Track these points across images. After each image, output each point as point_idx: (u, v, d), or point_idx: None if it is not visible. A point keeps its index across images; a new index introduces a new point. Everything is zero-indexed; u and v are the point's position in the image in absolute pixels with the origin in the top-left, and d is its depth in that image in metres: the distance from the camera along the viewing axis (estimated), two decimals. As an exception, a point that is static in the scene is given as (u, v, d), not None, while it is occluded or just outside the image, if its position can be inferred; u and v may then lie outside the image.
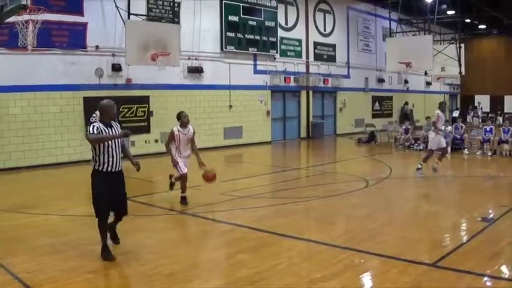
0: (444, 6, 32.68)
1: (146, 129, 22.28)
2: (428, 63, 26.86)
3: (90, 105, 20.13)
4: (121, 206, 8.31)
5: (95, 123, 7.91)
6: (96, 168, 7.95)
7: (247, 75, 27.03)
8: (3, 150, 18.39)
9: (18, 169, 18.25)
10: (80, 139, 19.93)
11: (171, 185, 12.85)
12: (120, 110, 21.07)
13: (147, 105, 22.31)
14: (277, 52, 28.56)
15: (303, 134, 31.00)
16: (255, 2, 27.10)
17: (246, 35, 26.62)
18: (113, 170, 8.02)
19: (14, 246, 8.74)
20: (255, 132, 26.95)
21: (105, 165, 7.92)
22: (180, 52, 21.63)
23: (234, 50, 26.06)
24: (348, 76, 34.29)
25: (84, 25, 20.25)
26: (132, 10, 20.47)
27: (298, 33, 30.51)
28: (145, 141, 22.28)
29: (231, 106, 26.18)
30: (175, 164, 12.03)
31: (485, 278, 7.15)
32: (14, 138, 18.61)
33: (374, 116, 36.90)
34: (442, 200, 13.59)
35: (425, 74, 37.96)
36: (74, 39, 19.99)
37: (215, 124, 25.35)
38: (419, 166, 16.74)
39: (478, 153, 22.58)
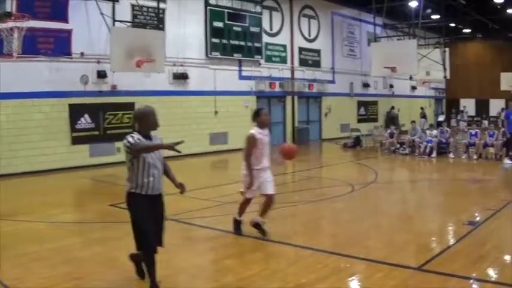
0: (429, 11, 32.86)
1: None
2: (413, 67, 26.96)
3: (76, 112, 20.11)
4: (159, 234, 6.85)
5: (133, 134, 6.55)
6: (133, 191, 6.62)
7: (232, 81, 27.05)
8: (-12, 158, 18.30)
9: (3, 176, 18.14)
10: (66, 146, 19.90)
11: (236, 224, 9.96)
12: (106, 116, 21.07)
13: (132, 112, 22.18)
14: (262, 58, 28.61)
15: (289, 139, 31.01)
16: (240, 7, 27.15)
17: (231, 41, 26.64)
18: (154, 193, 6.71)
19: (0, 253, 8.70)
20: (240, 138, 26.79)
21: (145, 187, 6.61)
22: (165, 58, 21.60)
23: (219, 56, 26.07)
24: (333, 81, 34.39)
25: (69, 32, 20.20)
26: (117, 17, 20.42)
27: (283, 38, 30.59)
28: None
29: (216, 112, 26.15)
30: (250, 185, 9.36)
31: (471, 281, 7.18)
32: (-2, 146, 18.53)
33: (359, 120, 36.99)
34: (427, 204, 13.66)
35: (410, 78, 38.15)
36: (59, 46, 19.93)
37: (200, 130, 25.29)
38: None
39: (463, 157, 22.69)
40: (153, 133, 6.77)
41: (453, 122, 42.07)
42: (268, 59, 29.35)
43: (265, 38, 28.98)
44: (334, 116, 34.37)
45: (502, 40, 40.65)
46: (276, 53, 30.06)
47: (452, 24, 38.16)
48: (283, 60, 30.50)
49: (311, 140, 31.98)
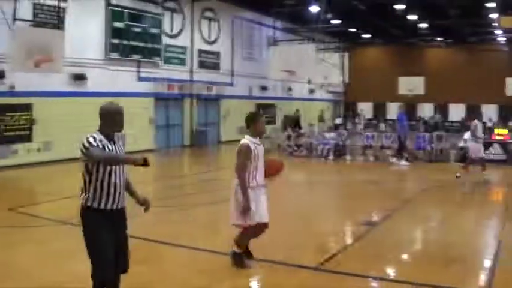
0: (329, 16, 33.37)
1: (28, 138, 21.36)
2: (311, 71, 27.37)
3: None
4: (122, 258, 5.67)
5: (94, 134, 5.53)
6: (90, 204, 5.44)
7: (131, 82, 26.57)
8: None
9: None
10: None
11: (240, 258, 7.98)
12: (2, 118, 20.23)
13: (30, 113, 21.45)
14: (161, 59, 28.26)
15: (187, 141, 30.75)
16: (141, 8, 26.70)
17: (131, 42, 26.16)
18: (115, 208, 5.52)
19: None
20: (138, 140, 26.44)
21: (104, 200, 5.44)
22: (64, 58, 20.95)
23: (118, 57, 25.54)
24: (232, 84, 34.41)
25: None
26: (17, 15, 19.66)
27: (183, 40, 30.31)
28: (28, 151, 21.43)
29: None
30: (247, 208, 7.72)
31: (369, 279, 7.27)
32: None
33: (258, 123, 36.91)
34: (325, 205, 13.83)
35: (309, 82, 38.69)
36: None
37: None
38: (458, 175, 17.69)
39: (360, 159, 23.15)
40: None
41: (350, 125, 42.92)
42: (168, 60, 28.99)
43: (165, 40, 28.61)
44: (233, 119, 34.34)
45: (401, 45, 41.85)
46: (176, 55, 29.74)
47: (353, 29, 38.93)
48: (182, 62, 30.22)
49: (209, 143, 31.86)
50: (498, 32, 35.89)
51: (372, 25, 35.84)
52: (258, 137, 8.10)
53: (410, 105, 41.89)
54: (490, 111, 40.25)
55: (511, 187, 17.24)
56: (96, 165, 5.39)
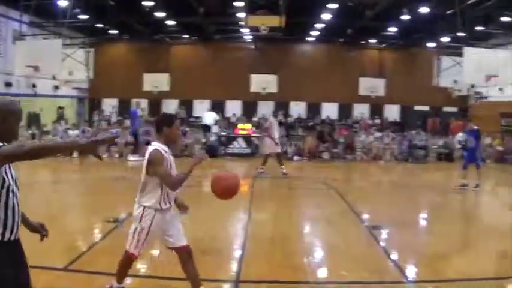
0: (77, 10, 32.53)
1: None
2: (56, 67, 26.60)
3: None
4: None
5: None
6: None
7: None
8: None
9: None
10: None
11: None
12: None
13: None
14: None
15: None
16: None
17: None
18: (15, 238, 4.03)
19: None
20: None
21: (9, 229, 3.96)
22: None
23: None
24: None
25: None
26: None
27: None
28: None
29: None
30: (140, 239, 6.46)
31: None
32: None
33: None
34: (72, 204, 13.57)
35: (54, 78, 37.49)
36: None
37: None
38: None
39: (106, 155, 22.97)
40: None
41: (96, 122, 42.33)
42: None
43: None
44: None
45: (147, 42, 42.00)
46: None
47: (100, 25, 38.30)
48: None
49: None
50: (245, 30, 37.36)
51: (120, 21, 35.60)
52: (170, 146, 6.45)
53: (155, 101, 42.50)
54: (234, 107, 42.18)
55: (257, 179, 18.30)
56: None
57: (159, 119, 6.62)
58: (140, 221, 6.34)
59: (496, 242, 10.53)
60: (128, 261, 6.63)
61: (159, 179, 6.13)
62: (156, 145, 6.27)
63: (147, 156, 6.25)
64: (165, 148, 6.29)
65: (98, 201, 13.64)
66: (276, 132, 19.21)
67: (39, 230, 4.63)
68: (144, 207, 6.30)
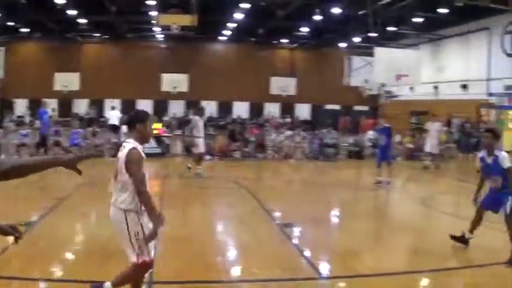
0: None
1: None
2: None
3: None
4: None
5: None
6: None
7: None
8: None
9: None
10: None
11: None
12: None
13: None
14: None
15: None
16: None
17: None
18: None
19: None
20: None
21: None
22: None
23: None
24: None
25: None
26: None
27: None
28: None
29: None
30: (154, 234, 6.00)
31: (33, 281, 7.36)
32: None
33: None
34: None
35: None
36: None
37: None
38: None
39: (15, 157, 22.58)
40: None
41: (5, 123, 41.28)
42: None
43: None
44: None
45: (59, 41, 41.26)
46: None
47: (12, 23, 37.34)
48: None
49: None
50: (156, 29, 37.32)
51: (31, 19, 34.92)
52: (143, 143, 6.16)
53: (66, 101, 41.83)
54: (145, 106, 41.95)
55: (168, 178, 18.46)
56: None
57: (132, 115, 6.34)
58: (128, 226, 6.00)
59: (406, 237, 11.19)
60: (141, 273, 6.40)
61: (132, 179, 5.86)
62: (133, 143, 6.01)
63: (125, 154, 5.94)
64: (141, 147, 6.02)
65: (8, 204, 13.46)
66: (201, 131, 19.23)
67: (11, 232, 4.20)
68: (125, 210, 5.98)
